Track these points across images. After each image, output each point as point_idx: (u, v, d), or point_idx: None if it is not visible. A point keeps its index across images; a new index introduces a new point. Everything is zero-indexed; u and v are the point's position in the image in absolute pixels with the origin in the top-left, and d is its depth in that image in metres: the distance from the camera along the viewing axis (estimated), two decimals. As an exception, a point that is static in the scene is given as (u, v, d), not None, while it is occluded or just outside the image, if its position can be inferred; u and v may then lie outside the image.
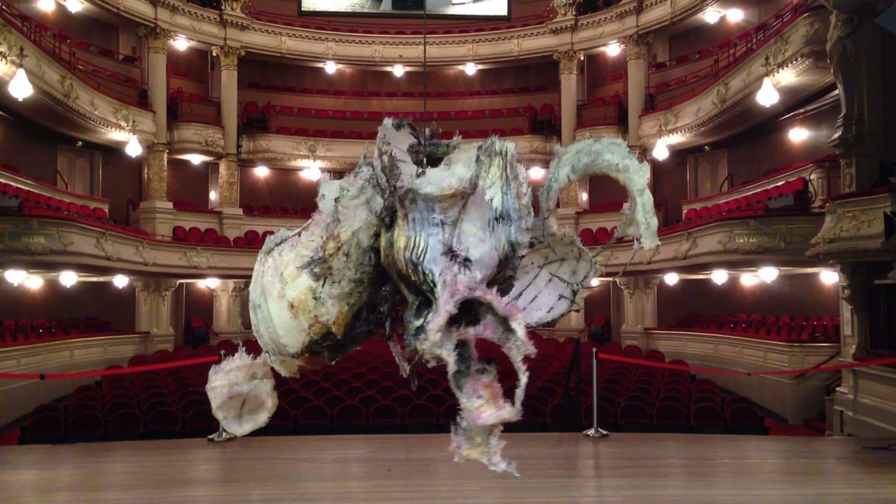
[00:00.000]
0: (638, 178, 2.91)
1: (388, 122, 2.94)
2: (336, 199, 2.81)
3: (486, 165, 2.76)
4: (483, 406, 2.44)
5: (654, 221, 2.88)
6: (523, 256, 2.82)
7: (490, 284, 2.63)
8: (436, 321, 2.42)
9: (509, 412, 2.43)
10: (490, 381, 2.47)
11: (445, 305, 2.44)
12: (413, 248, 2.61)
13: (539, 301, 3.07)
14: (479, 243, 2.62)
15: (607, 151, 2.93)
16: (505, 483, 5.48)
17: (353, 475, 6.05)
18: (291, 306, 2.75)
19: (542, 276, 3.11)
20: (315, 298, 2.71)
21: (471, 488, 5.34)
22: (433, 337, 2.43)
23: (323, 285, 2.70)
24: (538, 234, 3.00)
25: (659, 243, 2.90)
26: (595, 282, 3.12)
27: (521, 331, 2.43)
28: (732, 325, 17.83)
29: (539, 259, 3.12)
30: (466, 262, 2.55)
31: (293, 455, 6.50)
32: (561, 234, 3.05)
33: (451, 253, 2.58)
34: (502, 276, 2.69)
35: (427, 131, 2.98)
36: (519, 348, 2.44)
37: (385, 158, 2.70)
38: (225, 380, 2.96)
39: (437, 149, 2.97)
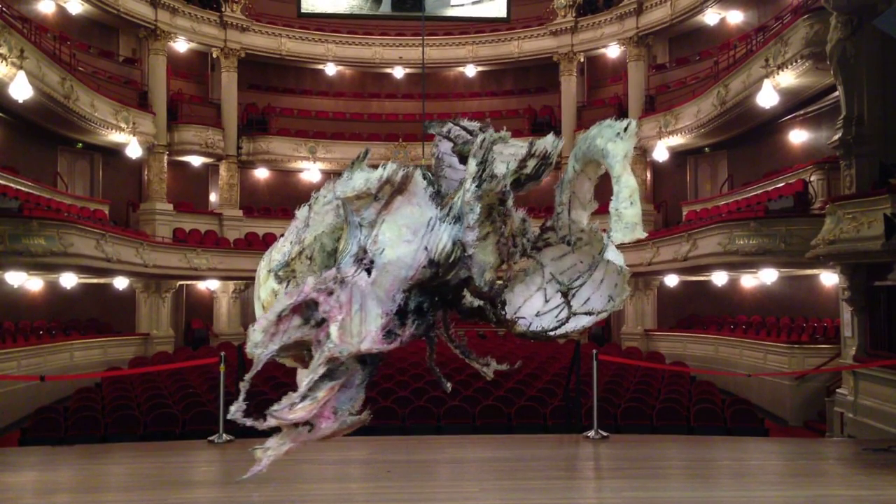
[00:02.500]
0: (616, 163, 2.72)
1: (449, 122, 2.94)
2: (309, 205, 2.84)
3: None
4: (301, 406, 2.46)
5: (630, 212, 2.66)
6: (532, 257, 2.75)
7: (441, 285, 2.58)
8: (259, 323, 2.46)
9: (328, 426, 2.48)
10: (329, 388, 2.50)
11: (278, 306, 2.46)
12: (342, 251, 2.64)
13: (592, 302, 2.92)
14: (401, 244, 2.58)
15: (598, 135, 2.80)
16: (505, 485, 5.49)
17: (353, 477, 6.05)
18: (263, 307, 2.82)
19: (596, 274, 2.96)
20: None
21: (471, 490, 5.33)
22: (253, 337, 2.49)
23: (287, 287, 2.72)
24: (565, 233, 2.91)
25: (641, 236, 2.67)
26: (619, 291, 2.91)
27: (334, 332, 2.45)
28: (732, 327, 17.82)
29: (587, 258, 3.03)
30: (371, 264, 2.53)
31: (293, 456, 6.47)
32: (588, 230, 2.93)
33: (361, 254, 2.57)
34: (455, 276, 2.61)
35: (478, 127, 2.92)
36: (326, 349, 2.45)
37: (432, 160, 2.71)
38: None
39: (464, 147, 2.96)
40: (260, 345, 2.51)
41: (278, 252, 2.91)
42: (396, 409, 9.95)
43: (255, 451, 2.51)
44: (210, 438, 7.06)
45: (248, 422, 2.44)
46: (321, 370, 2.48)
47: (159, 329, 19.70)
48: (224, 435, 7.01)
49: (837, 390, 11.95)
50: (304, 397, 2.52)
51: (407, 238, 2.58)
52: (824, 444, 9.24)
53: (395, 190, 2.63)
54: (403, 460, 6.37)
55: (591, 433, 7.32)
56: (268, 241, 22.07)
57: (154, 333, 19.49)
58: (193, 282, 21.12)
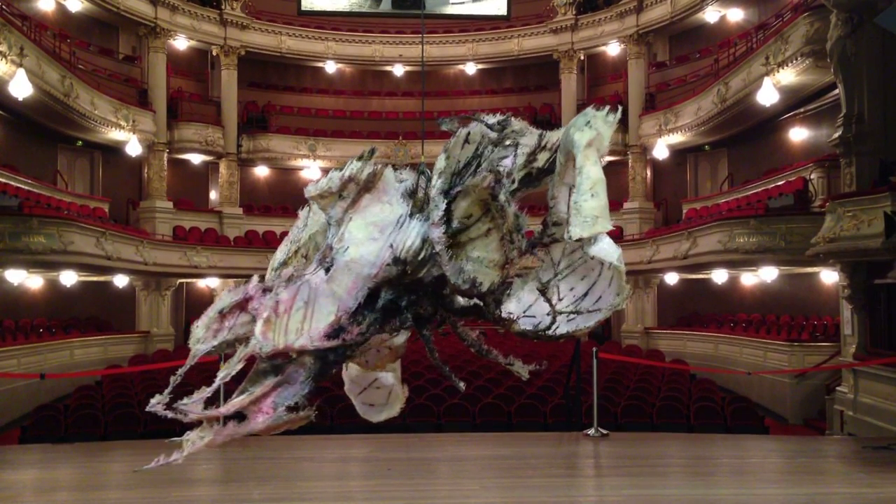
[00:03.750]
0: (579, 152, 2.60)
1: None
2: (308, 204, 2.85)
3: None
4: (236, 400, 2.48)
5: (590, 205, 2.48)
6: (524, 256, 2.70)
7: (414, 283, 2.57)
8: (201, 319, 2.51)
9: (263, 421, 2.47)
10: (271, 387, 2.51)
11: (219, 303, 2.54)
12: (319, 249, 2.66)
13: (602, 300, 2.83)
14: (367, 242, 2.56)
15: (573, 124, 2.72)
16: (505, 483, 5.49)
17: (353, 474, 6.05)
18: None
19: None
20: None
21: (471, 488, 5.34)
22: (195, 333, 2.53)
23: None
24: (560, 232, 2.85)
25: (602, 231, 2.48)
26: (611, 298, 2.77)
27: (257, 329, 2.47)
28: (732, 325, 17.83)
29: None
30: (331, 262, 2.55)
31: (293, 454, 6.50)
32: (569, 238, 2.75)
33: (327, 252, 2.59)
34: (428, 274, 2.59)
35: (497, 121, 2.88)
36: (251, 346, 2.47)
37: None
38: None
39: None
40: (201, 340, 2.54)
41: (280, 251, 2.95)
42: (396, 407, 9.95)
43: (179, 442, 2.51)
44: (210, 436, 7.04)
45: (169, 415, 2.45)
46: (238, 366, 2.49)
47: (159, 327, 19.70)
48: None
49: (837, 388, 11.95)
50: (241, 392, 2.53)
51: (373, 236, 2.57)
52: (824, 442, 9.24)
53: (361, 188, 2.61)
54: (403, 458, 6.37)
55: (592, 431, 7.32)
56: (268, 238, 22.09)
57: (154, 331, 19.49)
58: (193, 280, 21.13)
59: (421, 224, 2.56)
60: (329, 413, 9.85)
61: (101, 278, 18.22)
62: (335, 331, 2.50)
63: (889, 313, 10.81)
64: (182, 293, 21.39)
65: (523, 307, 2.81)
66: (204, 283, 21.45)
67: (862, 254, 10.60)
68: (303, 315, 2.51)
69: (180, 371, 2.54)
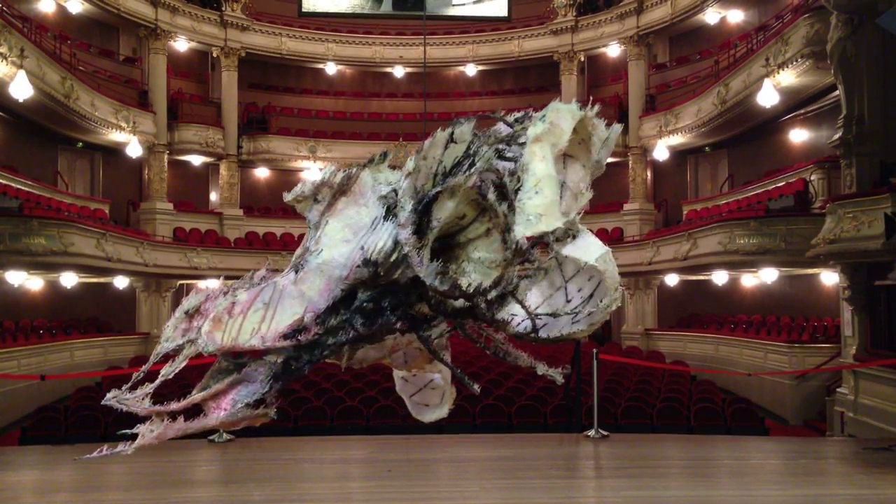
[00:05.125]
0: (527, 148, 2.53)
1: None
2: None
3: (377, 162, 2.70)
4: (196, 395, 2.56)
5: (533, 203, 2.40)
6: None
7: (390, 284, 2.58)
8: (170, 320, 2.61)
9: (217, 417, 2.54)
10: (227, 384, 2.56)
11: (186, 304, 2.61)
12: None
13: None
14: (340, 244, 2.58)
15: (534, 120, 2.67)
16: (505, 483, 5.49)
17: (353, 476, 6.05)
18: None
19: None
20: None
21: (471, 489, 5.33)
22: (165, 332, 2.63)
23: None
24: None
25: (547, 229, 2.38)
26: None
27: (205, 328, 2.53)
28: (733, 326, 17.82)
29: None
30: (303, 264, 2.59)
31: (293, 456, 6.50)
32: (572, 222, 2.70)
33: (303, 253, 2.63)
34: (403, 276, 2.57)
35: (511, 119, 2.84)
36: (196, 345, 2.54)
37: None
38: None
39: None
40: (170, 339, 2.62)
41: (293, 255, 3.00)
42: (397, 408, 9.94)
43: (130, 434, 2.55)
44: (210, 437, 7.05)
45: (124, 408, 2.55)
46: (181, 364, 2.58)
47: (160, 328, 19.65)
48: (224, 434, 7.01)
49: (838, 389, 11.94)
50: (200, 388, 2.59)
51: (347, 238, 2.59)
52: (824, 444, 9.23)
53: (336, 191, 2.64)
54: (404, 459, 6.37)
55: (592, 432, 7.31)
56: (268, 240, 22.10)
57: (155, 333, 19.45)
58: (194, 281, 21.11)
59: (394, 226, 2.55)
60: (329, 414, 9.85)
61: (102, 280, 18.23)
62: (293, 331, 2.51)
63: (889, 314, 10.81)
64: (182, 294, 21.37)
65: (556, 307, 2.77)
66: (204, 285, 21.35)
67: (862, 255, 10.60)
68: (261, 316, 2.53)
69: (143, 367, 2.63)
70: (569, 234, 2.69)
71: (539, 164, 2.44)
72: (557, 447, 7.14)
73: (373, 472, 6.00)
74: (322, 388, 11.24)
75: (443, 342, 2.95)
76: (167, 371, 2.56)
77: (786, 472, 6.21)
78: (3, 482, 5.58)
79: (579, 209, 2.77)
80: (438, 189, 2.49)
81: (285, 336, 2.50)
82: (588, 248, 2.52)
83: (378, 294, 2.60)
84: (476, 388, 2.88)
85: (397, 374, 3.30)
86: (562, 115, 2.57)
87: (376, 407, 10.00)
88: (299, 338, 2.50)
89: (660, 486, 5.31)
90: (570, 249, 2.54)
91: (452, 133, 2.56)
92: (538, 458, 6.40)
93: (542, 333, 2.69)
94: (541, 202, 2.39)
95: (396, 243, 2.52)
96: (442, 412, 3.22)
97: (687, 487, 5.41)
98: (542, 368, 2.83)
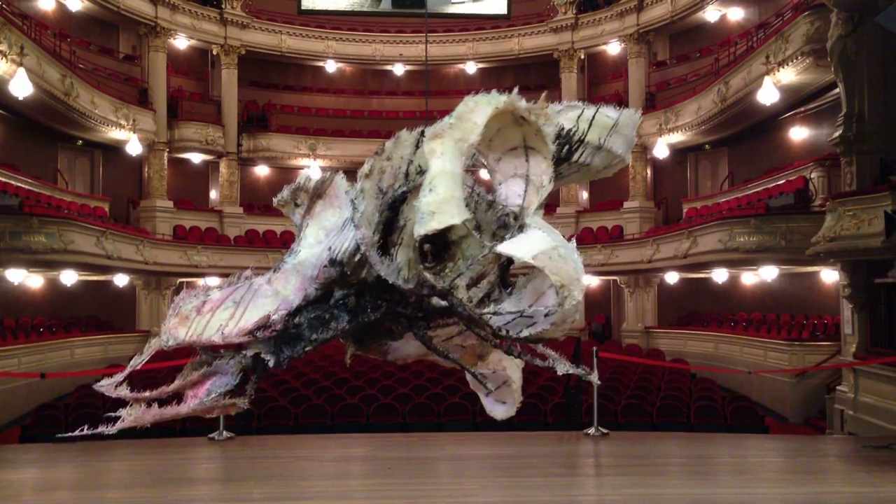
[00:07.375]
0: (425, 144, 2.40)
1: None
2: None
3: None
4: (174, 384, 2.70)
5: (426, 200, 2.26)
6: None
7: (360, 283, 2.61)
8: (167, 319, 2.73)
9: (190, 405, 2.68)
10: (199, 376, 2.70)
11: (177, 306, 2.74)
12: None
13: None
14: (314, 245, 2.67)
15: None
16: (506, 481, 5.49)
17: (353, 473, 6.05)
18: None
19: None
20: None
21: (471, 487, 5.34)
22: (161, 331, 2.75)
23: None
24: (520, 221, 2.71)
25: (437, 227, 2.25)
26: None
27: (169, 323, 2.71)
28: (733, 324, 17.83)
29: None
30: (278, 268, 2.69)
31: (294, 453, 6.51)
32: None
33: (286, 254, 2.74)
34: (369, 275, 2.58)
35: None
36: (159, 340, 2.71)
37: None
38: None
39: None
40: (165, 342, 2.76)
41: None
42: (397, 406, 9.96)
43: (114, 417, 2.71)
44: (210, 435, 7.06)
45: (114, 395, 2.68)
46: (146, 356, 2.73)
47: (160, 326, 19.66)
48: (224, 432, 7.02)
49: (838, 387, 11.95)
50: (181, 377, 2.74)
51: (320, 239, 2.68)
52: (824, 442, 9.25)
53: (312, 195, 2.74)
54: (404, 457, 6.37)
55: (592, 430, 7.32)
56: (268, 237, 22.10)
57: (155, 331, 19.46)
58: (194, 279, 21.12)
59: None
60: (329, 412, 9.86)
61: (102, 277, 18.23)
62: (258, 327, 2.57)
63: (889, 312, 10.81)
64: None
65: (523, 306, 2.75)
66: (204, 283, 21.42)
67: (862, 253, 10.60)
68: (230, 314, 2.60)
69: (135, 361, 2.74)
70: (508, 228, 2.57)
71: (435, 161, 2.32)
72: (557, 445, 7.15)
73: (373, 469, 6.01)
74: (322, 386, 11.25)
75: (473, 342, 2.97)
76: (135, 362, 2.69)
77: (786, 469, 6.22)
78: (4, 480, 5.58)
79: (540, 202, 2.63)
80: (406, 188, 2.50)
81: (250, 332, 2.57)
82: (525, 245, 2.39)
83: (356, 292, 2.66)
84: (490, 386, 2.97)
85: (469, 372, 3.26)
86: (475, 108, 2.40)
87: (377, 405, 10.01)
88: (256, 334, 2.56)
89: (660, 484, 5.31)
90: (505, 246, 2.43)
91: (423, 132, 2.50)
92: (538, 456, 6.41)
93: (512, 333, 2.67)
94: (433, 199, 2.27)
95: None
96: (511, 410, 3.25)
97: (687, 485, 5.42)
98: (560, 365, 2.91)
